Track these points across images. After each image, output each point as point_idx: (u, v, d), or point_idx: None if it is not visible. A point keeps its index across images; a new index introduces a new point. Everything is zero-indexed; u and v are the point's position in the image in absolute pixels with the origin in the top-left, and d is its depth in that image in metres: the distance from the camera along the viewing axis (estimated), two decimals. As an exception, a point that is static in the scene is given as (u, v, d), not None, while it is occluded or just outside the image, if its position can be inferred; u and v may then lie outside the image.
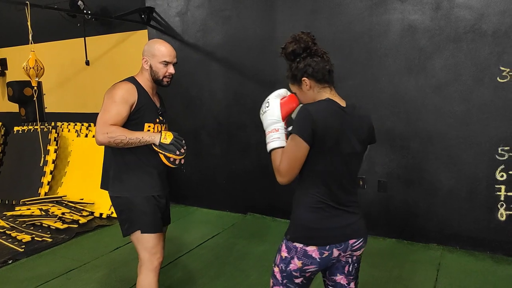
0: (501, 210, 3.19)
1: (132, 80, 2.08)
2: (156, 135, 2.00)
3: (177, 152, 2.01)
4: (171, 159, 2.02)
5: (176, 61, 2.11)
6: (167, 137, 2.00)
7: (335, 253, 1.52)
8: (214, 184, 4.49)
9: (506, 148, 3.12)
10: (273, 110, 1.54)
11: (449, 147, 3.31)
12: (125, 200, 2.06)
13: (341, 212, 1.53)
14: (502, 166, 3.15)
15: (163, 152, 2.00)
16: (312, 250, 1.49)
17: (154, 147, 2.00)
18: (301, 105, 1.55)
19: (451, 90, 3.25)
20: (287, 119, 1.56)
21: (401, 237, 3.57)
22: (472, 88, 3.18)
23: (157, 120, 2.12)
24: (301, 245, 1.50)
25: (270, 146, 1.52)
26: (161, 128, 2.15)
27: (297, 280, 1.54)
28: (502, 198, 3.17)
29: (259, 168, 4.13)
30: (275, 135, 1.52)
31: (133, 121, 2.02)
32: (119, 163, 2.07)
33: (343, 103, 1.54)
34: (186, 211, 4.53)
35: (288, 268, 1.53)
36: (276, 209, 4.15)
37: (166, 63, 2.05)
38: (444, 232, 3.41)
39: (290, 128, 1.49)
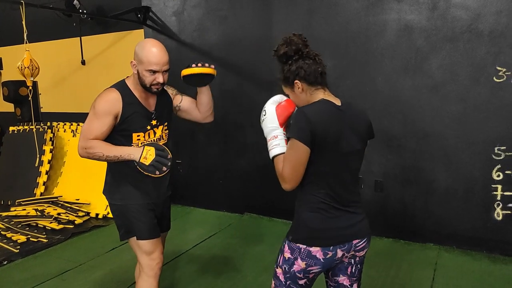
0: (498, 209, 3.19)
1: (121, 85, 1.99)
2: (136, 152, 1.89)
3: (157, 172, 1.90)
4: (157, 173, 1.93)
5: (168, 67, 1.95)
6: (148, 157, 1.87)
7: (339, 253, 1.52)
8: (211, 184, 4.48)
9: (502, 147, 3.13)
10: (270, 117, 1.54)
11: (445, 146, 3.32)
12: (120, 207, 2.04)
13: (344, 212, 1.52)
14: (499, 166, 3.15)
15: (141, 171, 1.92)
16: (316, 250, 1.49)
17: (135, 163, 1.91)
18: (297, 108, 1.55)
19: (447, 90, 3.26)
20: (286, 124, 1.56)
21: (398, 237, 3.58)
22: (469, 88, 3.19)
23: (148, 127, 2.02)
24: (304, 246, 1.49)
25: (271, 153, 1.53)
26: (153, 136, 2.04)
27: (301, 282, 1.54)
28: (498, 198, 3.18)
29: (256, 168, 4.12)
30: (275, 142, 1.52)
31: (121, 132, 1.95)
32: (114, 170, 2.05)
33: (338, 102, 1.53)
34: (182, 211, 4.52)
35: (292, 269, 1.52)
36: (273, 209, 4.14)
37: (154, 72, 1.90)
38: (440, 232, 3.41)
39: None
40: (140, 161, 1.88)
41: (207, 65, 2.04)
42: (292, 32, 1.55)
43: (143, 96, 2.00)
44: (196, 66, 2.01)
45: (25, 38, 3.37)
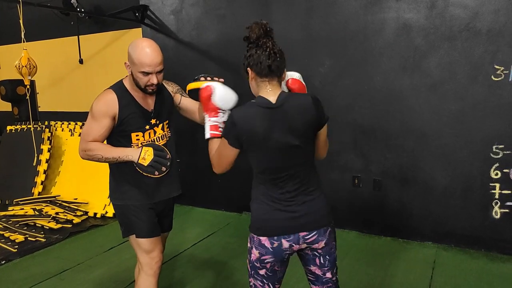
0: (496, 208, 3.20)
1: (118, 86, 1.98)
2: (135, 153, 1.90)
3: (156, 173, 1.93)
4: (156, 173, 1.95)
5: (162, 68, 1.90)
6: (146, 158, 1.88)
7: (285, 244, 1.57)
8: (209, 183, 4.48)
9: (500, 146, 3.13)
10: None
11: (444, 145, 3.32)
12: (120, 207, 2.06)
13: (285, 205, 1.57)
14: (497, 164, 3.16)
15: (140, 172, 1.94)
16: (264, 239, 1.57)
17: (134, 164, 1.92)
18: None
19: (446, 89, 3.26)
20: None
21: (396, 236, 3.58)
22: (467, 86, 3.19)
23: (147, 127, 2.00)
24: (256, 236, 1.59)
25: (206, 135, 1.70)
26: (153, 135, 2.02)
27: (261, 272, 1.61)
28: (496, 196, 3.19)
29: (255, 167, 4.12)
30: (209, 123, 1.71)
31: (120, 133, 1.95)
32: (115, 170, 2.05)
33: (274, 98, 1.53)
34: (181, 210, 4.51)
35: (251, 259, 1.61)
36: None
37: (147, 73, 1.86)
38: (439, 231, 3.42)
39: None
40: (139, 162, 1.89)
41: (216, 78, 1.94)
42: (260, 19, 1.58)
43: (140, 95, 1.98)
44: (205, 79, 1.91)
45: (23, 37, 3.36)
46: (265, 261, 1.58)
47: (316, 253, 1.63)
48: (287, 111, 1.53)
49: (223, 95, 1.74)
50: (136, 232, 2.02)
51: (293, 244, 1.58)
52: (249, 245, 1.62)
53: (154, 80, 1.88)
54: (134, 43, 1.89)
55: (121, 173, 2.02)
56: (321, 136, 1.63)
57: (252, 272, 1.63)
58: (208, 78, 1.91)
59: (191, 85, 1.96)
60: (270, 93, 1.55)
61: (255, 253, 1.59)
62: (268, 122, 1.51)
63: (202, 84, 1.85)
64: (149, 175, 1.93)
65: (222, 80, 1.94)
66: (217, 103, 1.71)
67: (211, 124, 1.68)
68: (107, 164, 2.06)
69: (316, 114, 1.55)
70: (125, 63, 1.92)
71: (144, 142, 2.00)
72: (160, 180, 2.02)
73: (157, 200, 2.08)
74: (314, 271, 1.67)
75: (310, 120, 1.55)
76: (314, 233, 1.58)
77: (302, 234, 1.57)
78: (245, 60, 1.58)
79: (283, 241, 1.56)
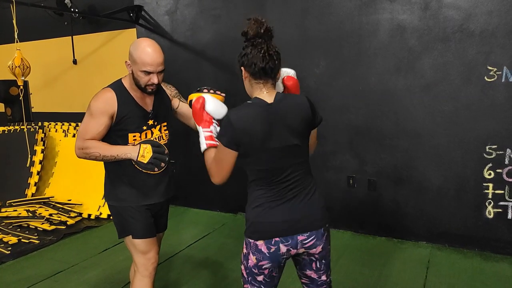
0: (489, 208, 3.23)
1: (117, 85, 1.97)
2: (133, 151, 1.89)
3: (156, 169, 1.93)
4: (156, 169, 1.96)
5: (163, 68, 1.91)
6: (145, 155, 1.88)
7: (283, 248, 1.54)
8: (204, 184, 4.42)
9: (493, 146, 3.16)
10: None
11: (437, 145, 3.34)
12: (115, 209, 2.04)
13: (282, 207, 1.54)
14: (490, 165, 3.18)
15: (140, 169, 1.94)
16: (260, 244, 1.53)
17: (133, 162, 1.92)
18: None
19: (439, 89, 3.28)
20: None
21: (391, 236, 3.60)
22: (460, 87, 3.22)
23: (145, 127, 1.98)
24: (252, 240, 1.55)
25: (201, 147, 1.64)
26: (151, 135, 2.02)
27: (259, 278, 1.57)
28: (490, 196, 3.21)
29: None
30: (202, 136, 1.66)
31: (118, 132, 1.93)
32: (111, 170, 2.04)
33: (271, 99, 1.52)
34: (176, 211, 4.50)
35: (248, 265, 1.57)
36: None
37: (148, 73, 1.86)
38: (433, 230, 3.44)
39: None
40: (138, 159, 1.89)
41: (218, 92, 1.89)
42: (261, 17, 1.51)
43: (139, 95, 1.97)
44: (208, 91, 1.86)
45: (16, 37, 3.33)
46: (263, 266, 1.55)
47: (313, 258, 1.61)
48: (285, 110, 1.52)
49: (216, 105, 1.71)
50: (132, 233, 2.01)
51: (291, 249, 1.55)
52: (245, 250, 1.58)
53: (155, 79, 1.88)
54: (136, 42, 1.90)
55: (117, 174, 2.01)
56: (313, 135, 1.66)
57: (249, 278, 1.58)
58: (211, 91, 1.87)
59: (193, 96, 1.94)
60: (266, 95, 1.53)
61: (252, 259, 1.55)
62: (267, 122, 1.48)
63: (151, 173, 1.95)
64: (148, 171, 1.93)
65: (223, 95, 1.90)
66: (211, 113, 1.68)
67: (206, 135, 1.64)
68: (102, 165, 2.05)
69: (311, 114, 1.56)
70: (126, 62, 1.92)
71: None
72: (156, 181, 2.02)
73: (153, 202, 2.06)
74: (310, 275, 1.66)
75: (307, 119, 1.55)
76: (313, 237, 1.57)
77: (300, 238, 1.55)
78: (240, 58, 1.54)
79: (281, 245, 1.53)
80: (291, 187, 1.55)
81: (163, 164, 1.95)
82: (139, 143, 1.94)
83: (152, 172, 1.94)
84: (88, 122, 1.90)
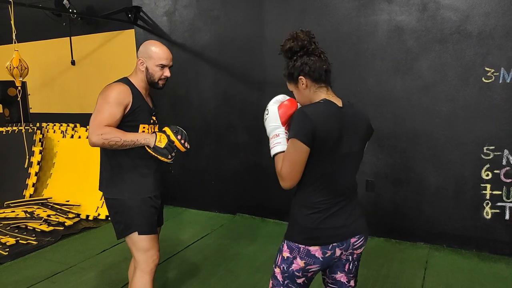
0: (487, 208, 3.24)
1: (125, 81, 2.04)
2: (151, 137, 1.97)
3: (169, 156, 1.99)
4: (169, 157, 2.02)
5: (172, 64, 2.09)
6: (162, 140, 1.97)
7: (337, 252, 1.54)
8: (203, 184, 4.47)
9: (491, 147, 3.17)
10: (272, 116, 1.55)
11: (435, 146, 3.35)
12: (120, 202, 2.03)
13: (341, 212, 1.54)
14: (488, 165, 3.20)
15: (155, 155, 1.98)
16: (315, 250, 1.50)
17: (148, 149, 1.97)
18: (298, 108, 1.55)
19: (437, 90, 3.29)
20: (289, 123, 1.55)
21: (389, 236, 3.61)
22: (458, 88, 3.23)
23: (151, 121, 2.09)
24: (303, 245, 1.51)
25: (272, 151, 1.54)
26: (154, 129, 2.12)
27: (299, 280, 1.55)
28: (487, 197, 3.22)
29: (248, 168, 4.12)
30: (276, 140, 1.53)
31: (128, 123, 1.98)
32: (113, 165, 2.04)
33: (339, 103, 1.54)
34: (174, 212, 4.50)
35: (291, 269, 1.53)
36: (265, 210, 4.14)
37: (163, 66, 2.02)
38: (431, 231, 3.45)
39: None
40: (156, 144, 1.95)
41: (186, 145, 2.02)
42: (300, 28, 1.56)
43: (144, 93, 2.09)
44: (180, 140, 2.00)
45: (14, 37, 3.33)
46: (310, 270, 1.53)
47: (350, 258, 1.61)
48: (355, 117, 1.55)
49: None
50: (137, 228, 2.01)
51: (343, 252, 1.56)
52: (288, 255, 1.53)
53: (167, 73, 2.06)
54: (149, 42, 2.08)
55: (121, 166, 2.03)
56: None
57: (286, 281, 1.55)
58: (182, 141, 2.01)
59: (169, 132, 2.02)
60: (333, 98, 1.54)
61: (299, 263, 1.52)
62: (340, 124, 1.48)
63: (176, 142, 1.99)
64: (162, 158, 1.98)
65: (187, 148, 2.04)
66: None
67: (286, 138, 1.52)
68: (103, 160, 2.08)
69: (370, 126, 1.63)
70: (139, 59, 2.04)
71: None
72: (156, 172, 2.11)
73: (156, 193, 2.10)
74: (339, 279, 1.64)
75: (366, 130, 1.61)
76: (362, 239, 1.59)
77: (353, 240, 1.56)
78: (295, 69, 1.52)
79: (337, 249, 1.53)
80: (347, 193, 1.56)
81: (174, 154, 2.01)
82: (153, 132, 2.06)
83: (166, 160, 2.00)
84: (106, 110, 1.91)
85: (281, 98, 1.59)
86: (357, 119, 1.57)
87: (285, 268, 1.54)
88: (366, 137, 1.62)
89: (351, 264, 1.63)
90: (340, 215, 1.53)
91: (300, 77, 1.52)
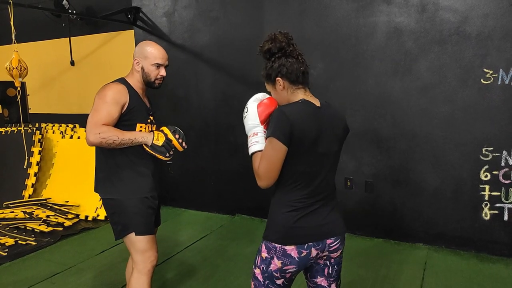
0: (486, 209, 3.24)
1: (122, 81, 2.06)
2: (148, 135, 2.00)
3: (167, 154, 2.01)
4: (167, 155, 2.04)
5: (168, 63, 2.11)
6: (160, 139, 2.00)
7: (313, 252, 1.54)
8: (202, 185, 4.47)
9: (490, 148, 3.18)
10: (251, 114, 1.55)
11: (434, 147, 3.36)
12: (117, 202, 2.03)
13: (318, 211, 1.54)
14: (486, 167, 3.20)
15: (153, 153, 2.00)
16: (290, 249, 1.51)
17: (145, 147, 1.99)
18: (277, 107, 1.56)
19: (436, 92, 3.30)
20: (267, 122, 1.56)
21: (388, 237, 3.61)
22: (457, 89, 3.23)
23: (148, 121, 2.11)
24: (280, 245, 1.52)
25: (250, 150, 1.54)
26: (151, 129, 2.13)
27: (278, 281, 1.55)
28: (486, 198, 3.23)
29: (247, 169, 4.10)
30: (255, 138, 1.53)
31: (125, 122, 2.00)
32: (110, 165, 2.04)
33: (317, 103, 1.55)
34: (173, 212, 4.50)
35: (269, 269, 1.54)
36: (264, 210, 4.12)
37: (158, 65, 2.05)
38: (430, 232, 3.45)
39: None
40: (154, 142, 1.98)
41: (184, 145, 2.09)
42: (279, 30, 1.56)
43: (141, 93, 2.10)
44: (178, 139, 2.06)
45: (13, 38, 3.33)
46: (287, 270, 1.53)
47: (328, 263, 1.61)
48: (332, 117, 1.56)
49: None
50: (135, 229, 2.01)
51: (319, 252, 1.55)
52: (265, 255, 1.55)
53: (163, 72, 2.08)
54: (144, 42, 2.11)
55: (118, 166, 2.03)
56: None
57: (267, 282, 1.56)
58: (180, 140, 2.07)
59: (166, 131, 2.06)
60: (311, 98, 1.56)
61: (276, 263, 1.52)
62: (318, 124, 1.49)
63: (174, 141, 2.03)
64: (161, 156, 2.00)
65: (184, 148, 2.10)
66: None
67: (265, 136, 1.52)
68: (98, 161, 2.08)
69: (346, 126, 1.64)
70: (135, 60, 2.06)
71: None
72: (154, 172, 2.11)
73: (154, 193, 2.10)
74: (320, 283, 1.64)
75: (343, 130, 1.61)
76: (338, 241, 1.59)
77: (329, 241, 1.56)
78: (273, 71, 1.53)
79: (313, 249, 1.53)
80: (324, 193, 1.56)
81: (171, 152, 2.04)
82: (151, 130, 2.08)
83: (164, 158, 2.02)
84: (103, 109, 1.92)
85: (260, 96, 1.60)
86: (335, 119, 1.58)
87: (264, 268, 1.55)
88: (343, 137, 1.63)
89: (330, 268, 1.63)
90: (317, 215, 1.54)
91: (278, 78, 1.53)
